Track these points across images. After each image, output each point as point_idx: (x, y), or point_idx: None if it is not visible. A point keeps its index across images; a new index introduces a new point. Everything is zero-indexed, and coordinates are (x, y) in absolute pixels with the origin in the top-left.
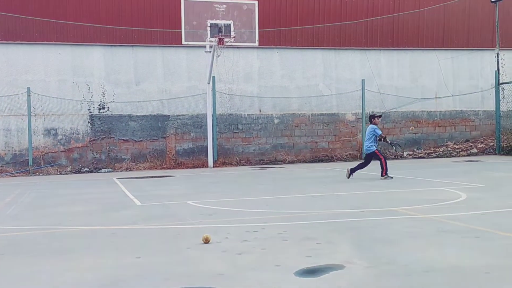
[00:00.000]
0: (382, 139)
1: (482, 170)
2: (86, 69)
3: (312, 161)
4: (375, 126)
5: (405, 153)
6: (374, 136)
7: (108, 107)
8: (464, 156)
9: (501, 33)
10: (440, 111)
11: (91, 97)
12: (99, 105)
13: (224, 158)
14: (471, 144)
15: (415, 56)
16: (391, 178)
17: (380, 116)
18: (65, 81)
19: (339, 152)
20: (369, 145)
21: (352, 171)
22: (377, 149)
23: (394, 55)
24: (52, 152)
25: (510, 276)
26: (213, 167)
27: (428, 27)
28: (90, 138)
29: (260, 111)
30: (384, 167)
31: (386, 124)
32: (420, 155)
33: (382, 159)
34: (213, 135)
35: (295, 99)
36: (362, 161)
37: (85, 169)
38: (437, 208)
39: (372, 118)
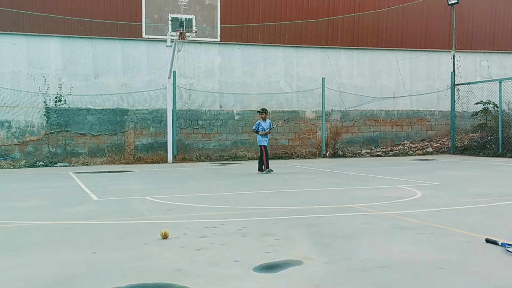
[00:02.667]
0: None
1: (437, 168)
2: (42, 60)
3: (272, 158)
4: (260, 121)
5: (363, 151)
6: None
7: (65, 100)
8: (420, 155)
9: (457, 35)
10: (398, 111)
11: (47, 89)
12: (56, 97)
13: (184, 154)
14: (427, 143)
15: (374, 56)
16: (266, 172)
17: (262, 112)
18: (20, 72)
19: (298, 149)
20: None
21: (261, 167)
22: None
23: (354, 54)
24: (5, 145)
25: (462, 271)
26: (173, 162)
27: (387, 28)
28: (46, 131)
29: (221, 107)
30: (265, 162)
31: (346, 122)
32: (378, 153)
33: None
34: (173, 130)
35: (256, 95)
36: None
37: (40, 163)
38: (394, 205)
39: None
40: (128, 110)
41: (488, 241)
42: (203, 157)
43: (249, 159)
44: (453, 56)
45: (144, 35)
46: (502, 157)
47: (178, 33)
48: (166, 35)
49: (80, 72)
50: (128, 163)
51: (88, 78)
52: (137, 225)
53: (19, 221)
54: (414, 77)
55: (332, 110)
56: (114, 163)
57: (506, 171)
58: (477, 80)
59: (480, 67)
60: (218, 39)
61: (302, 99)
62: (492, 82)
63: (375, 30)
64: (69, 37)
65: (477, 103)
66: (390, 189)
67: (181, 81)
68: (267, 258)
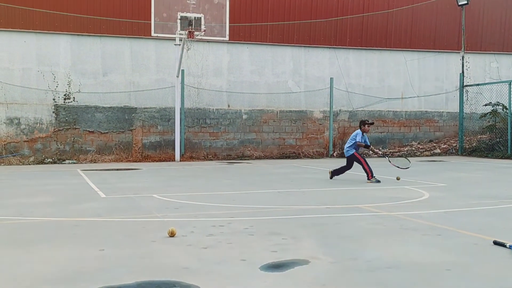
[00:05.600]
0: (367, 148)
1: (444, 170)
2: (52, 58)
3: (279, 158)
4: (359, 133)
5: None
6: (354, 141)
7: (74, 98)
8: (427, 156)
9: (467, 37)
10: (406, 111)
11: (57, 86)
12: (65, 95)
13: (191, 152)
14: (434, 144)
15: (383, 56)
16: (378, 181)
17: (371, 124)
18: (30, 69)
19: (306, 149)
20: (347, 148)
21: (334, 173)
22: (356, 152)
23: (362, 54)
24: (14, 142)
25: (469, 273)
26: (180, 161)
27: (396, 28)
28: (55, 129)
29: (228, 106)
30: (367, 170)
31: (353, 123)
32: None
33: (363, 162)
34: (180, 128)
35: (264, 95)
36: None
37: (49, 160)
38: (401, 206)
39: (361, 123)
40: (136, 108)
41: (496, 243)
42: (211, 156)
43: (256, 158)
44: (462, 57)
45: (153, 34)
46: (511, 159)
47: (187, 32)
48: (175, 34)
49: (89, 70)
50: (135, 161)
51: (97, 76)
52: (144, 223)
53: (27, 217)
54: (423, 78)
55: (340, 110)
56: (121, 160)
57: None
58: (486, 82)
59: (490, 69)
60: (227, 38)
61: (310, 99)
62: (501, 84)
63: (384, 31)
64: (78, 35)
65: (486, 105)
66: (397, 189)
67: (190, 79)
68: (274, 257)
